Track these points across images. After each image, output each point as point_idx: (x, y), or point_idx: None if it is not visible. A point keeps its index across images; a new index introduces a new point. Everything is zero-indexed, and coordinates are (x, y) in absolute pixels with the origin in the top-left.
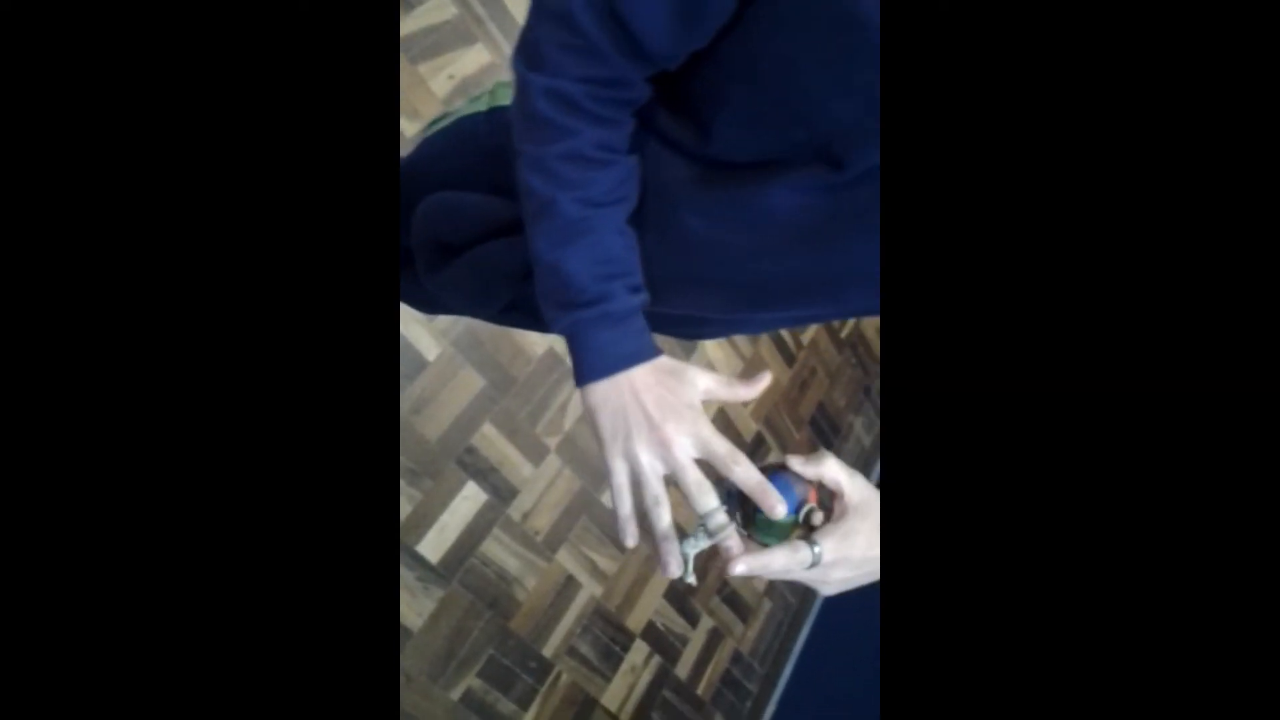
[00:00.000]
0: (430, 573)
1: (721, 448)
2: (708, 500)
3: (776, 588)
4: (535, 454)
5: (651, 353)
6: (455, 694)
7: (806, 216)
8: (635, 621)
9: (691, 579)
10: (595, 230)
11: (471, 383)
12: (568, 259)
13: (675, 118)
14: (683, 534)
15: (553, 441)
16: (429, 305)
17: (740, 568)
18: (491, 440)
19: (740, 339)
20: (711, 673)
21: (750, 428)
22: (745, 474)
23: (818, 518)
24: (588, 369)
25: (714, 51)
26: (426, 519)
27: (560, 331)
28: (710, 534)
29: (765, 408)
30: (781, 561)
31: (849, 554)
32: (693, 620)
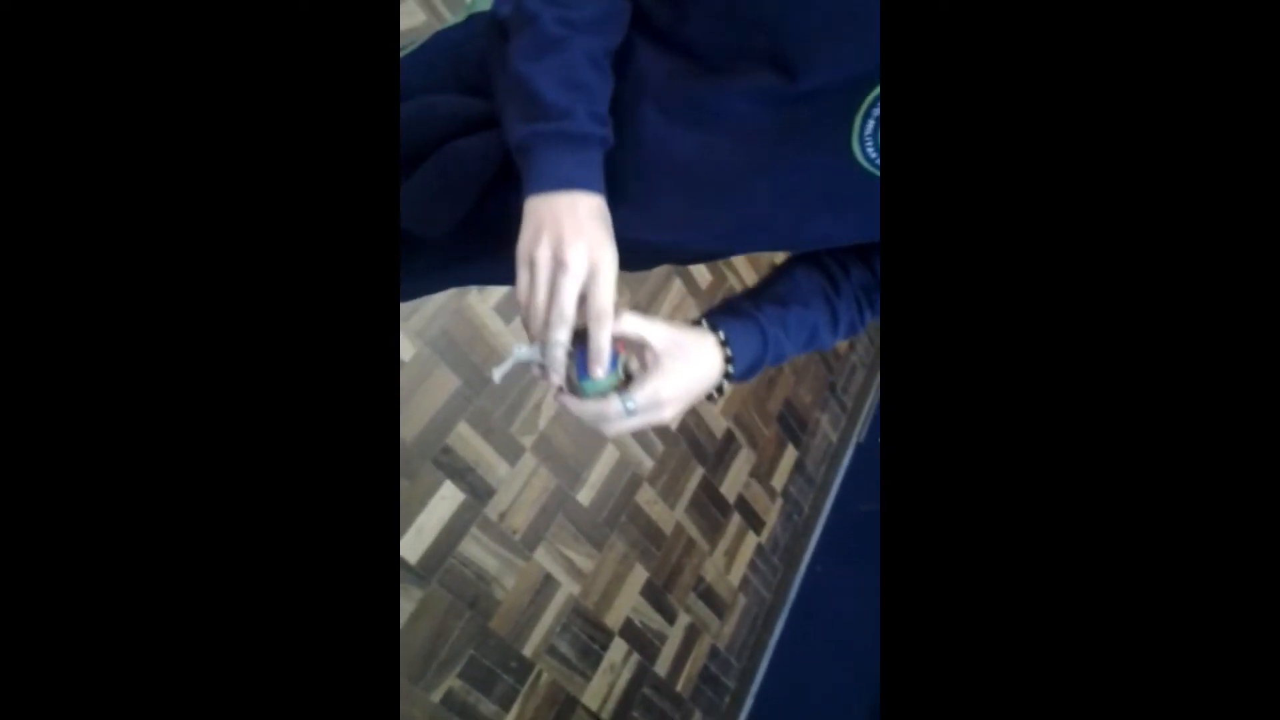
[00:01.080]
0: (409, 573)
1: (599, 301)
2: (559, 334)
3: (750, 584)
4: (511, 453)
5: (594, 184)
6: (436, 696)
7: (753, 123)
8: (613, 619)
9: (497, 377)
10: (568, 50)
11: (446, 382)
12: (537, 73)
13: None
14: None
15: (528, 440)
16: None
17: (561, 400)
18: (467, 440)
19: None
20: (690, 669)
21: (720, 425)
22: (597, 338)
23: (634, 364)
24: (533, 183)
25: None
26: (404, 519)
27: (516, 143)
28: (544, 357)
29: (734, 406)
30: (592, 411)
31: (672, 394)
32: (670, 617)
